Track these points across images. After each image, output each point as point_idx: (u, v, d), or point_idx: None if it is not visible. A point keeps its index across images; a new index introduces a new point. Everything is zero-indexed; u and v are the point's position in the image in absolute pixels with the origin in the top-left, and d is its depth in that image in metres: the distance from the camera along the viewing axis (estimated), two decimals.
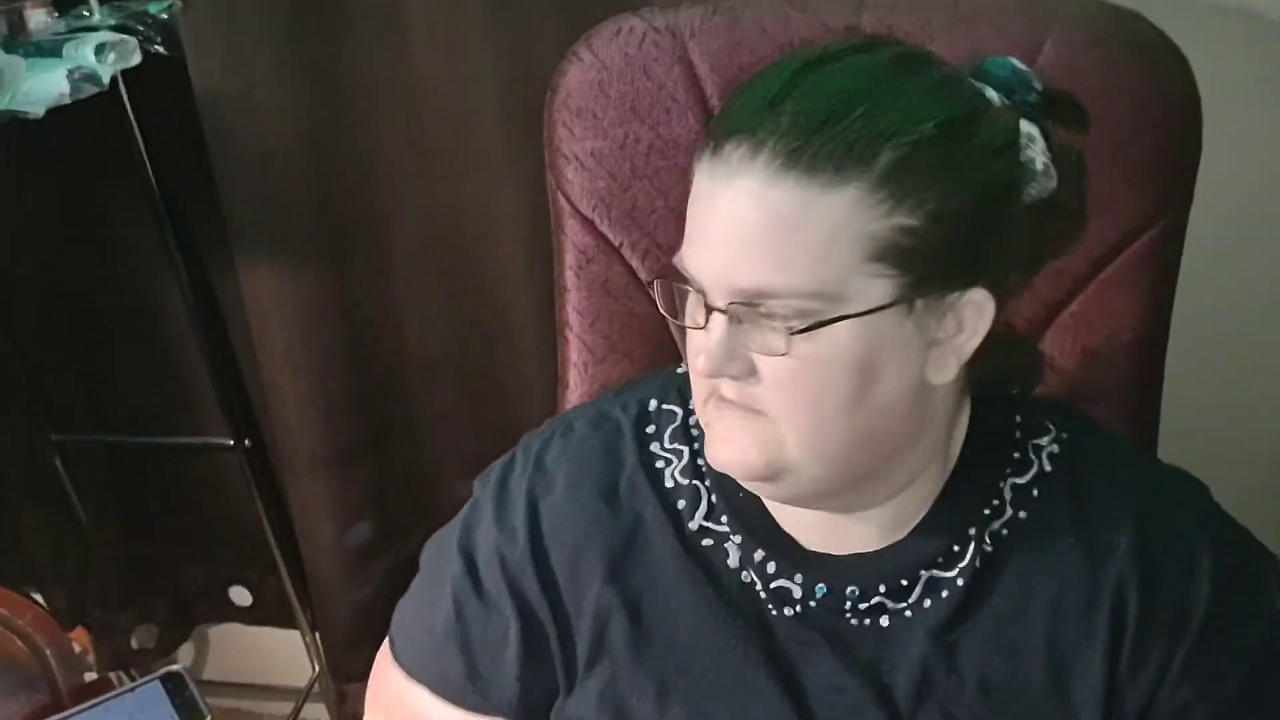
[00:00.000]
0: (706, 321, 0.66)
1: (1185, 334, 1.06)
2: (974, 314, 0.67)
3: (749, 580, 0.78)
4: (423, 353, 1.49)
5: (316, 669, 1.81)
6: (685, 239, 0.68)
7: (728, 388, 0.68)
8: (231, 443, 1.59)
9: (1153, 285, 0.98)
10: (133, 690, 0.96)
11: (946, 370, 0.68)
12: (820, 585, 0.75)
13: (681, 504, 0.80)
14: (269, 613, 1.82)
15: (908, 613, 0.75)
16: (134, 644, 1.82)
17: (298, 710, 1.87)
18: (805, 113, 0.62)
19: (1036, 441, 0.76)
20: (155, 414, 1.64)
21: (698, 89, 1.05)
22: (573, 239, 1.11)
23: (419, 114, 1.33)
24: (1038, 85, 0.69)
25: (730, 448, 0.70)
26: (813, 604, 0.76)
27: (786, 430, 0.67)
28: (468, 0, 1.22)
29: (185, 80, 1.31)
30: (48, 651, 0.92)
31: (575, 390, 1.14)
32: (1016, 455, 0.76)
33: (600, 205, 1.09)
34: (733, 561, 0.78)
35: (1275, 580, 0.75)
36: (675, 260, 0.69)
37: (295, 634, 1.79)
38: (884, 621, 0.75)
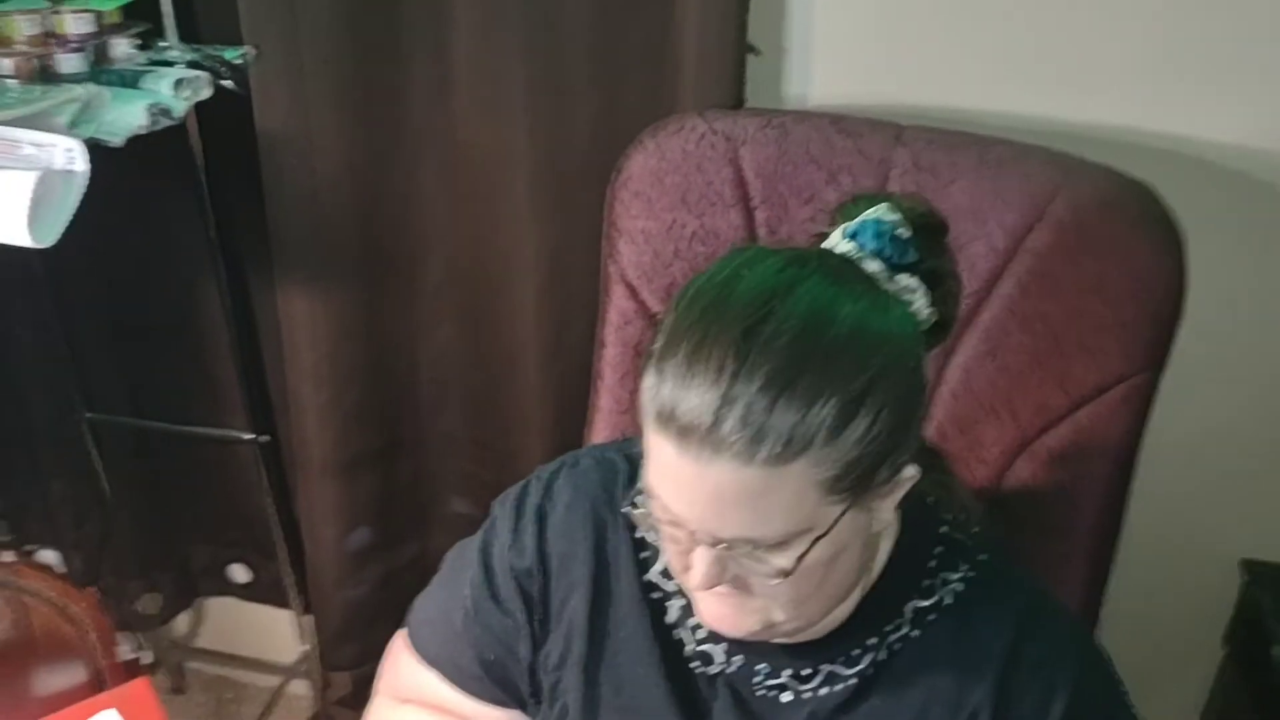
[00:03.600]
0: (693, 545, 0.73)
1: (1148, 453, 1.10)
2: (908, 477, 0.75)
3: (678, 638, 0.87)
4: (435, 378, 1.54)
5: (304, 648, 1.86)
6: (657, 484, 0.72)
7: None
8: (250, 437, 1.64)
9: (1125, 431, 1.03)
10: None
11: (885, 519, 0.77)
12: (738, 658, 0.85)
13: (644, 555, 0.88)
14: (265, 592, 1.87)
15: (805, 694, 0.83)
16: (139, 609, 1.87)
17: (284, 684, 1.92)
18: (747, 420, 0.67)
19: (947, 575, 0.82)
20: (184, 404, 1.68)
21: (743, 190, 1.11)
22: (616, 302, 1.18)
23: (457, 168, 1.38)
24: (914, 251, 0.76)
25: (723, 622, 0.78)
26: (729, 670, 0.85)
27: (772, 607, 0.76)
28: (512, 76, 1.28)
29: (247, 112, 1.36)
30: (93, 636, 1.02)
31: (600, 431, 1.21)
32: (926, 583, 0.82)
33: (643, 277, 1.15)
34: (670, 618, 0.87)
35: None
36: (649, 490, 0.74)
37: (287, 614, 1.84)
38: (784, 698, 0.84)
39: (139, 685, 1.04)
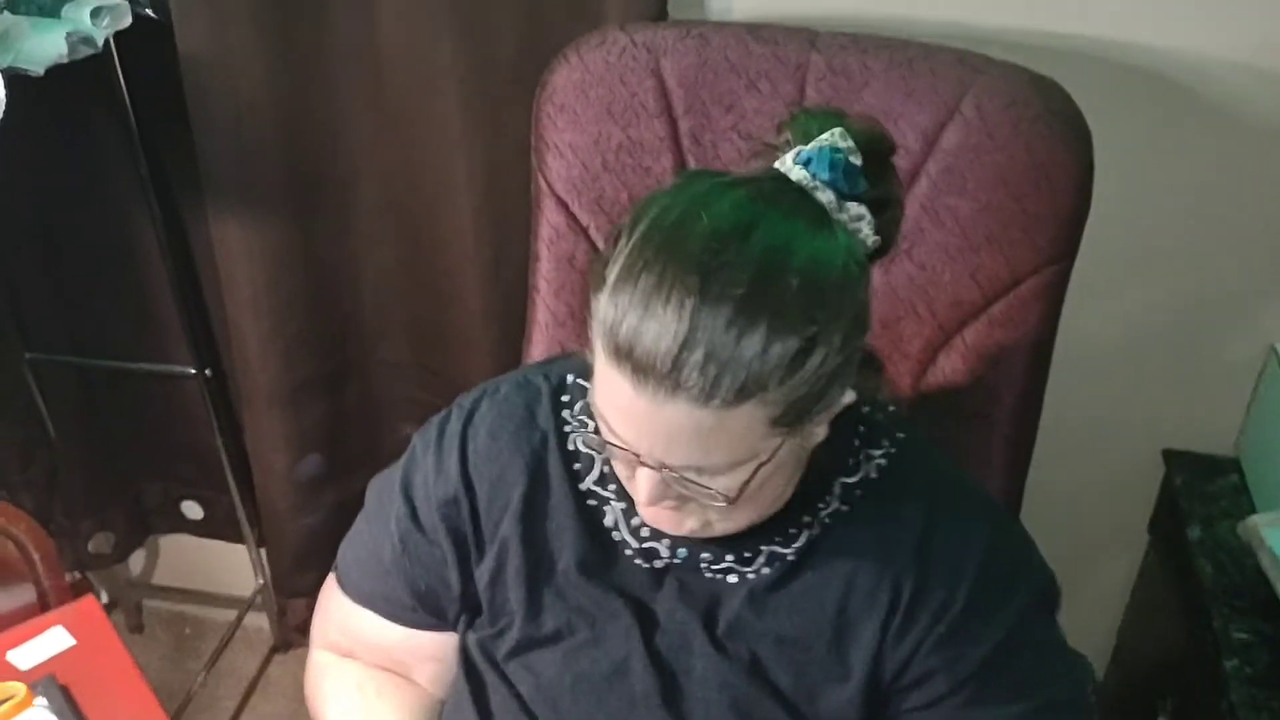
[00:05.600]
0: (639, 466, 0.77)
1: (1072, 346, 1.17)
2: (845, 401, 0.79)
3: (619, 539, 0.92)
4: (377, 304, 1.56)
5: (260, 581, 1.92)
6: (607, 411, 0.76)
7: None
8: (194, 371, 1.67)
9: (1037, 323, 1.08)
10: None
11: (821, 433, 0.80)
12: (681, 550, 0.90)
13: (578, 466, 0.92)
14: (218, 527, 1.91)
15: (750, 575, 0.89)
16: (91, 548, 1.89)
17: (240, 617, 1.98)
18: (705, 365, 0.69)
19: (870, 452, 0.89)
20: (126, 341, 1.69)
21: (665, 100, 1.14)
22: (547, 217, 1.20)
23: (384, 85, 1.38)
24: (864, 180, 0.77)
25: (662, 523, 0.84)
26: (675, 561, 0.90)
27: (710, 513, 0.82)
28: None
29: (170, 40, 1.36)
30: (36, 556, 1.05)
31: (538, 346, 1.25)
32: (852, 461, 0.89)
33: (573, 190, 1.18)
34: (608, 521, 0.92)
35: (1033, 593, 0.86)
36: (597, 413, 0.77)
37: (242, 548, 1.89)
38: (730, 579, 0.89)
39: (86, 603, 1.07)
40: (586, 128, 1.17)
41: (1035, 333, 1.09)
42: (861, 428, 0.90)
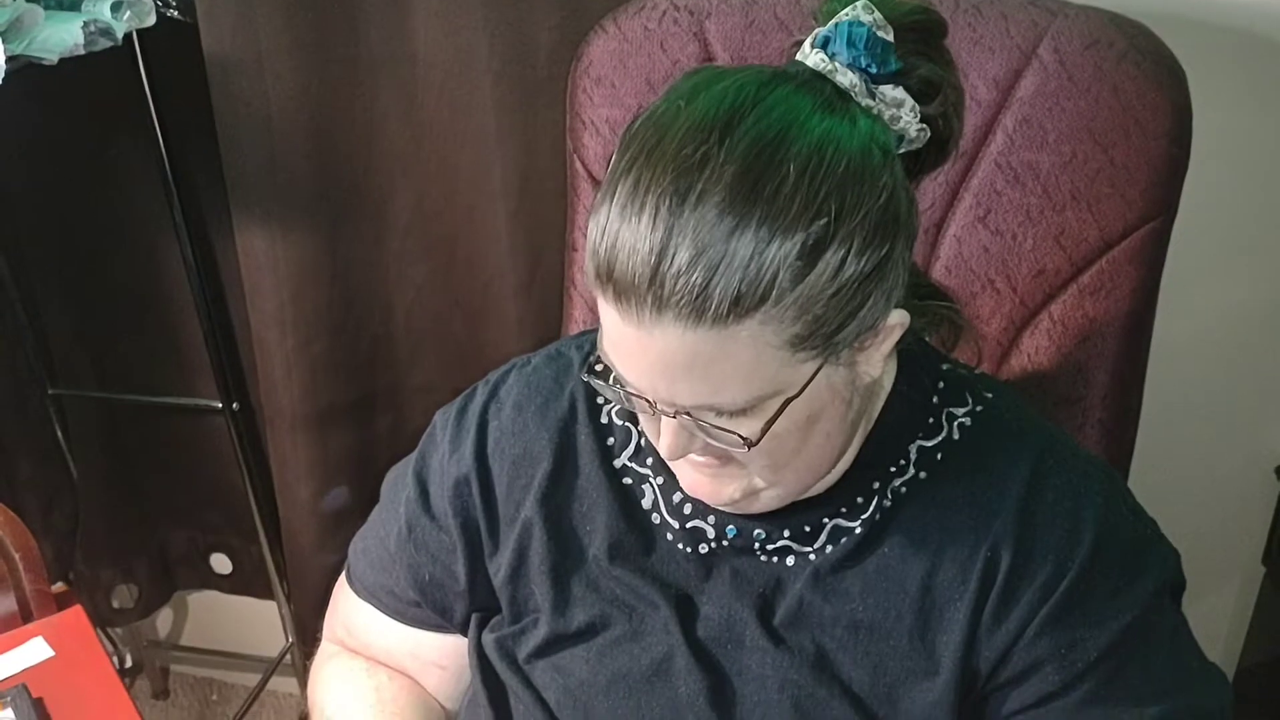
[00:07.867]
0: (656, 412, 0.68)
1: (1168, 345, 1.05)
2: (894, 324, 0.69)
3: (659, 521, 0.81)
4: (409, 324, 1.49)
5: (289, 640, 1.79)
6: (609, 351, 0.68)
7: None
8: (220, 405, 1.58)
9: (1134, 291, 0.96)
10: None
11: (876, 366, 0.70)
12: (731, 527, 0.79)
13: (611, 440, 0.83)
14: (247, 582, 1.82)
15: (811, 555, 0.77)
16: (115, 603, 1.81)
17: (265, 680, 1.84)
18: (689, 272, 0.60)
19: (952, 410, 0.77)
20: (150, 372, 1.63)
21: None
22: (584, 201, 1.12)
23: (416, 90, 1.33)
24: (895, 58, 0.67)
25: (700, 489, 0.75)
26: (724, 543, 0.79)
27: (751, 474, 0.72)
28: None
29: (196, 44, 1.31)
30: (16, 556, 0.94)
31: None
32: (930, 421, 0.77)
33: None
34: (646, 502, 0.82)
35: (1163, 572, 0.74)
36: (605, 359, 0.69)
37: (272, 605, 1.78)
38: (789, 561, 0.78)
39: (72, 615, 0.97)
40: (625, 101, 1.09)
41: (1131, 303, 0.97)
42: (941, 384, 0.78)
